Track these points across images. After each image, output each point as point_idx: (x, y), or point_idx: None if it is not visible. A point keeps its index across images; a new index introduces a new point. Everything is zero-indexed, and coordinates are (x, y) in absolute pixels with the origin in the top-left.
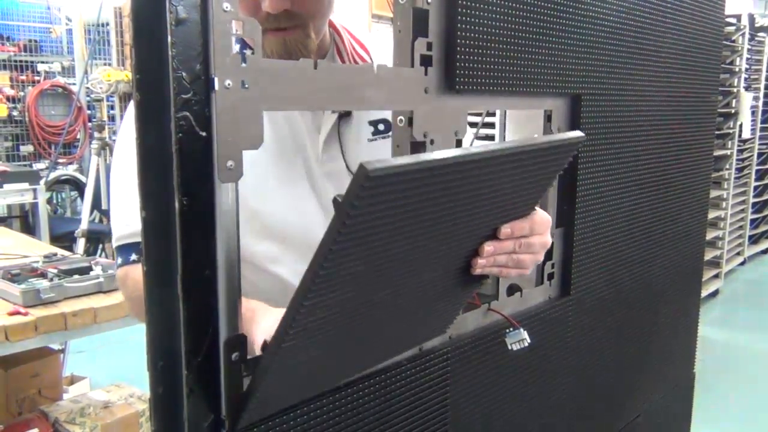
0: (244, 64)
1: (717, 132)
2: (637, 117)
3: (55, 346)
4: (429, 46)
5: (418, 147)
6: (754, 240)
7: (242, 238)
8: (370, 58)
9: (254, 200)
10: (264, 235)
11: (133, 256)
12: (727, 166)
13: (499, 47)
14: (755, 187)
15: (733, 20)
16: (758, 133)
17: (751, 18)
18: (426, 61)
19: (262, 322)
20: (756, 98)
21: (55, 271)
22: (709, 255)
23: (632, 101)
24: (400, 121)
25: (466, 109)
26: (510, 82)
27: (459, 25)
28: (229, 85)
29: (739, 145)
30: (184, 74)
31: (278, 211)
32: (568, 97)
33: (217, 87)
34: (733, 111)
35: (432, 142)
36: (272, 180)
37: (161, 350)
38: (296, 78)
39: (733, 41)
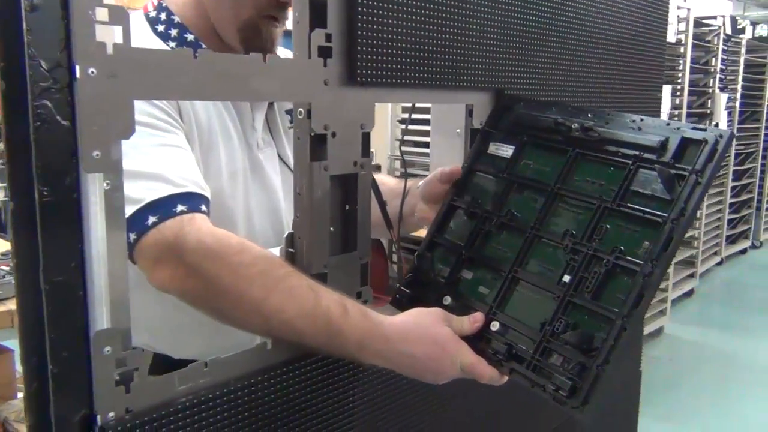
0: (110, 52)
1: None
2: None
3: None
4: (328, 38)
5: (317, 140)
6: (732, 240)
7: None
8: None
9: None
10: (219, 221)
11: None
12: None
13: (407, 39)
14: (732, 188)
15: (710, 21)
16: (735, 134)
17: (734, 20)
18: (325, 52)
19: (457, 353)
20: (732, 99)
21: (7, 268)
22: (684, 254)
23: (564, 96)
24: (300, 113)
25: (372, 102)
26: (422, 75)
27: (360, 16)
28: (92, 73)
29: None
30: (42, 62)
31: (227, 195)
32: (490, 92)
33: (78, 75)
34: (708, 111)
35: (334, 134)
36: (223, 165)
37: (33, 345)
38: (173, 67)
39: (708, 42)
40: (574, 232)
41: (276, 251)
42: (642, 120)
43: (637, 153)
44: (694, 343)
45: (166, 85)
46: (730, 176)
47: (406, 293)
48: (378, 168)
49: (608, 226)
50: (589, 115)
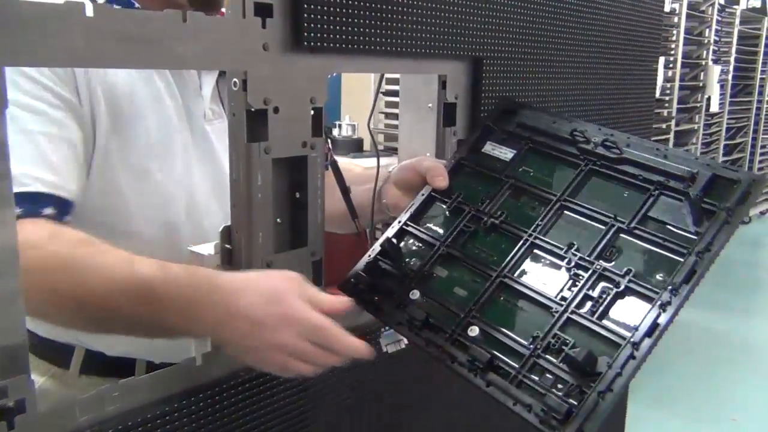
0: None
1: (684, 105)
2: (556, 86)
3: None
4: None
5: (256, 117)
6: None
7: (130, 202)
8: None
9: (142, 161)
10: (151, 200)
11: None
12: (694, 141)
13: None
14: (723, 162)
15: None
16: (727, 107)
17: None
18: (263, 10)
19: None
20: (725, 71)
21: None
22: None
23: (553, 66)
24: (235, 84)
25: (324, 71)
26: (386, 39)
27: None
28: None
29: (706, 119)
30: None
31: (158, 170)
32: (466, 61)
33: None
34: (700, 84)
35: (276, 110)
36: (153, 138)
37: None
38: (58, 26)
39: (703, 12)
40: (578, 247)
41: (210, 247)
42: (667, 149)
43: (662, 179)
44: (682, 324)
45: (49, 49)
46: (721, 151)
47: (363, 278)
48: (360, 142)
49: (620, 248)
50: (609, 132)
